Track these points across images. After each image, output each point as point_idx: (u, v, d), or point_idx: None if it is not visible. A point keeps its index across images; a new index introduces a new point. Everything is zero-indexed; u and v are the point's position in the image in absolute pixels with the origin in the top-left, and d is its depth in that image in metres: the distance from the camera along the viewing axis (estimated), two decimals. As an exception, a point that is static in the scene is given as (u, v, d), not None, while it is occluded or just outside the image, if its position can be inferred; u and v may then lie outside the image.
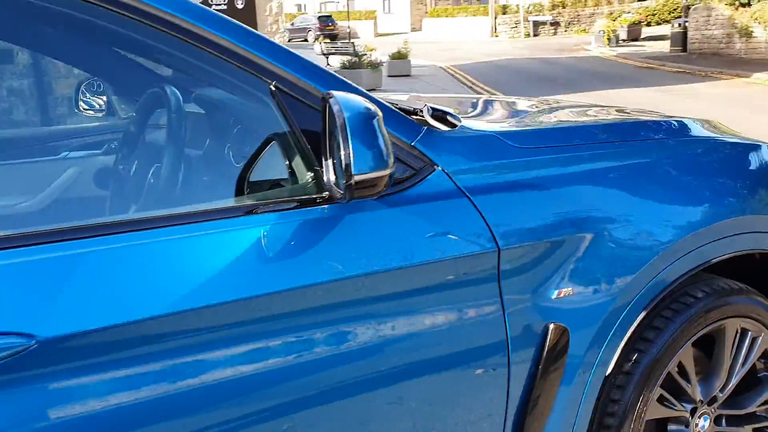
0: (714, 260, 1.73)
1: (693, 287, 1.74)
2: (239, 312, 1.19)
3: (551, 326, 1.50)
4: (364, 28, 44.33)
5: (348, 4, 22.48)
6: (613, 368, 1.63)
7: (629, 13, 29.12)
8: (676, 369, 1.72)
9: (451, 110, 1.54)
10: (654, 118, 2.07)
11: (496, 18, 35.59)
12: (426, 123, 1.47)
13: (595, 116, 2.19)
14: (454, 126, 1.50)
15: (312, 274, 1.24)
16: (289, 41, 40.41)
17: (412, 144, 1.41)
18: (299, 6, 55.51)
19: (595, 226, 1.54)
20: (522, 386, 1.50)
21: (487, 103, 2.50)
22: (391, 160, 1.21)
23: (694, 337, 1.72)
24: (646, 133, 1.84)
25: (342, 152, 1.15)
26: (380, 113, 1.22)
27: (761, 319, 1.84)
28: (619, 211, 1.58)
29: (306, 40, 37.25)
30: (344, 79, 1.42)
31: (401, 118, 1.44)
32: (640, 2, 32.91)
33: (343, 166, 1.16)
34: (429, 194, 1.39)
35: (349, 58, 14.93)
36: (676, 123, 1.97)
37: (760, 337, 1.86)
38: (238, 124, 1.64)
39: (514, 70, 18.33)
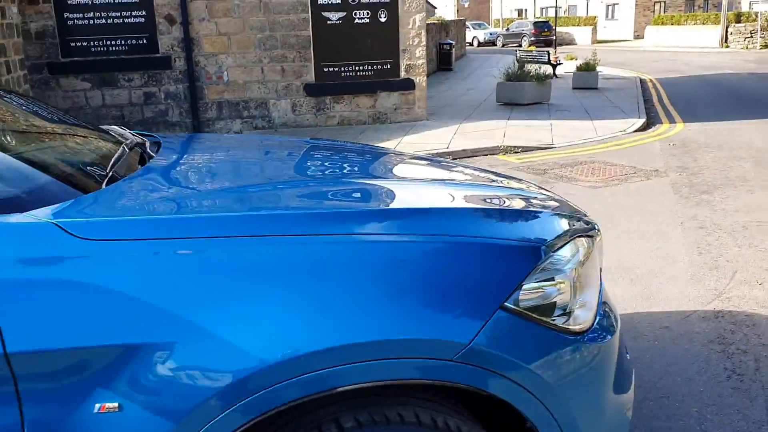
0: (340, 389, 1.44)
1: (348, 414, 1.46)
2: None
3: None
4: (582, 35, 42.58)
5: (557, 10, 21.51)
6: None
7: None
8: None
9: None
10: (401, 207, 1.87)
11: (727, 27, 32.18)
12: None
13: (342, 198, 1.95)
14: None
15: None
16: (503, 46, 40.20)
17: None
18: (519, 11, 54.84)
19: (156, 336, 1.35)
20: None
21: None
22: None
23: None
24: (329, 227, 1.58)
25: None
26: None
27: None
28: (197, 321, 1.37)
29: (520, 46, 36.66)
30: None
31: None
32: None
33: None
34: None
35: (517, 68, 14.21)
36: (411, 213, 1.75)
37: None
38: None
39: (720, 87, 16.46)
